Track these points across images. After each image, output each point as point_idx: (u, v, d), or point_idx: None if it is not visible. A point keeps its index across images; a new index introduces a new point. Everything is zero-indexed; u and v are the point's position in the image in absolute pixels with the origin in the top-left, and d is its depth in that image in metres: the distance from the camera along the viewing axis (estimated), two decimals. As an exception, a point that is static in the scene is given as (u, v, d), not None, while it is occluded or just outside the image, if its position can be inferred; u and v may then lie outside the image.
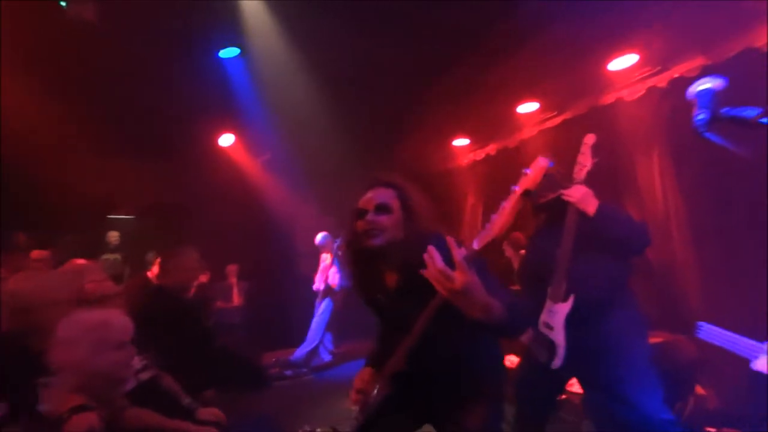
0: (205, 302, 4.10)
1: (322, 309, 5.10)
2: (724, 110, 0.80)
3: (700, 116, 0.79)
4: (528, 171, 1.16)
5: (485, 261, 1.17)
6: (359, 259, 1.42)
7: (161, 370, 1.98)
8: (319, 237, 5.22)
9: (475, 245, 1.08)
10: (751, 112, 0.77)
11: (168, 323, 2.23)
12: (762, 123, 0.75)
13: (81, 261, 2.72)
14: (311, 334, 5.13)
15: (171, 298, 2.49)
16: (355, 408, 1.46)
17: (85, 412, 1.21)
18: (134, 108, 4.21)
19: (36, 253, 3.20)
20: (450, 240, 1.07)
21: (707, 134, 0.78)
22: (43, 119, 3.89)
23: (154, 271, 3.46)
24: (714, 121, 0.79)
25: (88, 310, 1.46)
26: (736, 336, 1.37)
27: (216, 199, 5.50)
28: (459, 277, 1.02)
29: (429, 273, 1.05)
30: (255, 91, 4.53)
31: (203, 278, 4.07)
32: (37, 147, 4.06)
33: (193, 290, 2.98)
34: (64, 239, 4.33)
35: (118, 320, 1.39)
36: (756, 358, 1.30)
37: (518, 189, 1.12)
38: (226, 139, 5.57)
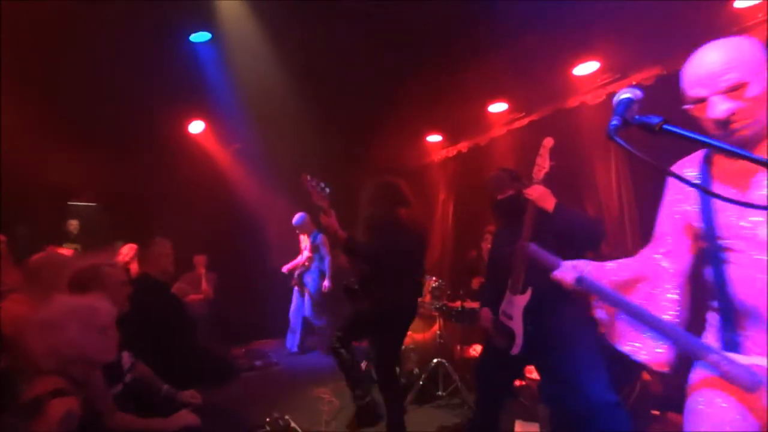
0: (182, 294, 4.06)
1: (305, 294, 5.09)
2: (635, 117, 0.90)
3: (613, 122, 0.89)
4: None
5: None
6: None
7: (138, 359, 1.96)
8: (297, 217, 4.97)
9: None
10: (655, 119, 0.87)
11: (156, 310, 2.25)
12: (664, 129, 0.86)
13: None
14: (293, 320, 5.17)
15: (157, 285, 2.53)
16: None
17: (65, 396, 1.20)
18: (102, 92, 4.04)
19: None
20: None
21: (616, 138, 0.87)
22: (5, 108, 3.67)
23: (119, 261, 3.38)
24: (624, 126, 0.89)
25: (71, 295, 1.45)
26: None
27: (184, 188, 5.35)
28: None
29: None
30: (226, 77, 4.43)
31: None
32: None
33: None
34: (16, 228, 4.12)
35: (103, 304, 1.40)
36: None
37: None
38: (196, 126, 5.43)
